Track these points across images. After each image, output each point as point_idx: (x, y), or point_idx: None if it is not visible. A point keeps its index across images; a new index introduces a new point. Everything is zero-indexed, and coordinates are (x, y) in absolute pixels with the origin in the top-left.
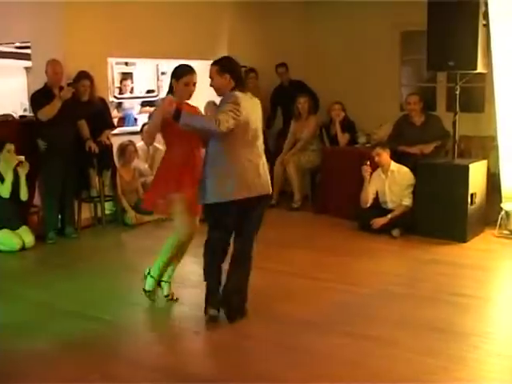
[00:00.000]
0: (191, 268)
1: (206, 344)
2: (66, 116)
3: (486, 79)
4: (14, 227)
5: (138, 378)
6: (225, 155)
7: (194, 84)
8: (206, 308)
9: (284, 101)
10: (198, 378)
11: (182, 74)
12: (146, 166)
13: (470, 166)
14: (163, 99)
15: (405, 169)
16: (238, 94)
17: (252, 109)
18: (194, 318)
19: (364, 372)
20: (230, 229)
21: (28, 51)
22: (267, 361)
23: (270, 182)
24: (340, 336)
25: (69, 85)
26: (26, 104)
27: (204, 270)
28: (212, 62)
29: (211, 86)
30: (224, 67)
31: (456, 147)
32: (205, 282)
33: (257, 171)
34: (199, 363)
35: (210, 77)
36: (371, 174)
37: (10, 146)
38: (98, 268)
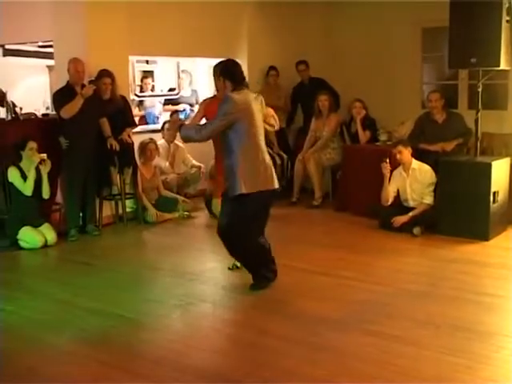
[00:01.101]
0: (213, 265)
1: (228, 342)
2: (87, 114)
3: (508, 76)
4: (36, 225)
5: (159, 377)
6: (236, 149)
7: None
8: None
9: (304, 98)
10: (222, 377)
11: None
12: (167, 163)
13: (493, 163)
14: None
15: (426, 167)
16: (231, 94)
17: (254, 103)
18: (215, 315)
19: (387, 371)
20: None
21: (50, 50)
22: (290, 358)
23: (275, 176)
24: (363, 334)
25: (90, 82)
26: (49, 102)
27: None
28: None
29: None
30: (218, 70)
31: (478, 145)
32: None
33: (264, 165)
34: (222, 361)
35: None
36: (391, 171)
37: (33, 144)
38: (119, 265)
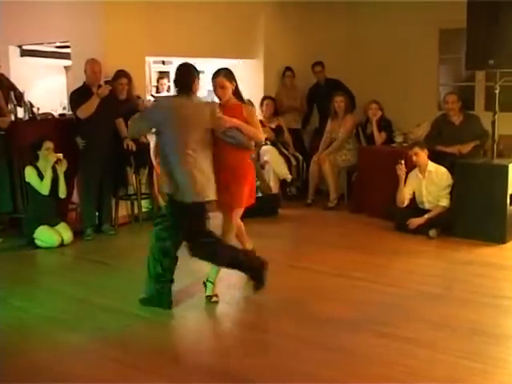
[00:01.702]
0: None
1: (239, 342)
2: (104, 114)
3: None
4: (52, 224)
5: (174, 376)
6: (167, 157)
7: (220, 87)
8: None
9: (320, 99)
10: (232, 377)
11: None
12: None
13: (509, 165)
14: None
15: (442, 169)
16: (157, 100)
17: (192, 111)
18: (229, 315)
19: (400, 373)
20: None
21: (67, 50)
22: (301, 359)
23: (202, 192)
24: (375, 336)
25: (106, 83)
26: (66, 102)
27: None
28: None
29: None
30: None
31: (495, 147)
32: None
33: (195, 176)
34: (233, 361)
35: None
36: (406, 173)
37: (49, 144)
38: (135, 265)
